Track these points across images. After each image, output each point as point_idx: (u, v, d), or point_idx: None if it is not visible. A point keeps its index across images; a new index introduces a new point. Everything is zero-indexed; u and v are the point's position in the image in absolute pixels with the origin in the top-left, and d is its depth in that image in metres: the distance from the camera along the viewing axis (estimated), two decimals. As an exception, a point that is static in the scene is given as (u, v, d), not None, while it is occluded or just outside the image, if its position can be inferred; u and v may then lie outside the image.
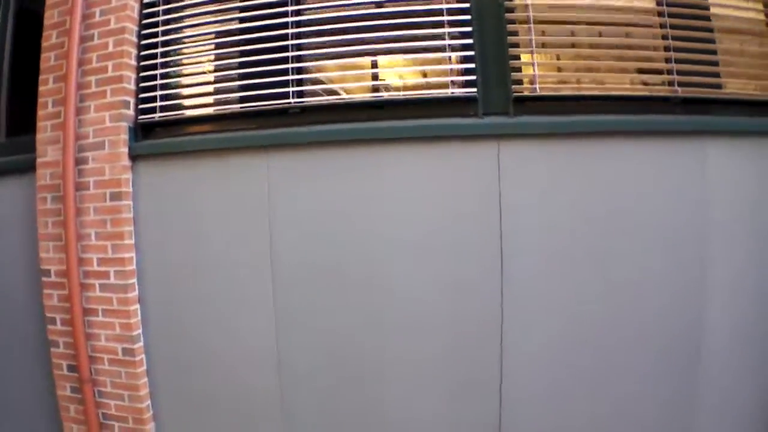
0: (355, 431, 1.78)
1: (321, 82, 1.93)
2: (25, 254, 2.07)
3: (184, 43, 1.98)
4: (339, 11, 1.82)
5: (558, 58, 1.84)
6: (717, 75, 1.76)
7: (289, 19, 1.83)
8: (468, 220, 1.69)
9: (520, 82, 1.74)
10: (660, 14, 1.76)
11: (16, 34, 2.31)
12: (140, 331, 1.90)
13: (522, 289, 1.68)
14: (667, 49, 1.74)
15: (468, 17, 1.74)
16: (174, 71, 1.99)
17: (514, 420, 1.70)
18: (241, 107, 1.87)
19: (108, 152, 1.88)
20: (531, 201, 1.68)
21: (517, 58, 1.74)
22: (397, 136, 1.72)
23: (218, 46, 1.97)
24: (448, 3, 1.76)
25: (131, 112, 1.92)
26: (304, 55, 1.85)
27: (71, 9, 1.89)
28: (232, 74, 1.91)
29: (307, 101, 1.83)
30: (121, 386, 1.88)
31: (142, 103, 1.93)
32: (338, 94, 1.92)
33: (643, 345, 1.68)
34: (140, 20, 1.96)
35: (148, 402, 1.91)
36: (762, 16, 1.83)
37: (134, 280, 1.90)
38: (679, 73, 1.72)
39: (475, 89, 1.72)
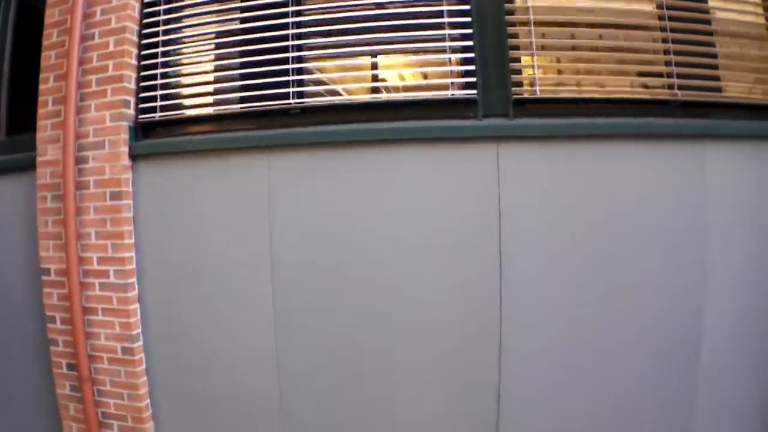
0: (355, 431, 1.78)
1: (322, 83, 1.93)
2: (25, 253, 2.07)
3: (185, 42, 1.98)
4: (340, 12, 1.82)
5: (558, 61, 1.84)
6: (717, 78, 1.76)
7: (290, 20, 1.83)
8: (467, 221, 1.70)
9: (520, 84, 1.74)
10: (660, 17, 1.76)
11: (17, 32, 2.30)
12: (140, 330, 1.91)
13: (521, 291, 1.69)
14: (667, 52, 1.74)
15: (468, 19, 1.74)
16: (174, 71, 1.99)
17: (512, 421, 1.71)
18: (241, 107, 1.87)
19: (108, 151, 1.88)
20: (530, 203, 1.68)
21: (518, 60, 1.74)
22: (397, 137, 1.72)
23: (219, 46, 1.97)
24: (448, 5, 1.76)
25: (131, 111, 1.92)
26: (304, 56, 1.85)
27: (72, 8, 1.89)
28: (232, 74, 1.91)
29: (307, 102, 1.83)
30: (121, 385, 1.88)
31: (142, 103, 1.93)
32: (339, 94, 1.92)
33: (642, 347, 1.69)
34: (141, 20, 1.96)
35: (147, 401, 1.91)
36: (762, 20, 1.83)
37: (134, 280, 1.90)
38: (679, 76, 1.73)
39: (475, 91, 1.72)
